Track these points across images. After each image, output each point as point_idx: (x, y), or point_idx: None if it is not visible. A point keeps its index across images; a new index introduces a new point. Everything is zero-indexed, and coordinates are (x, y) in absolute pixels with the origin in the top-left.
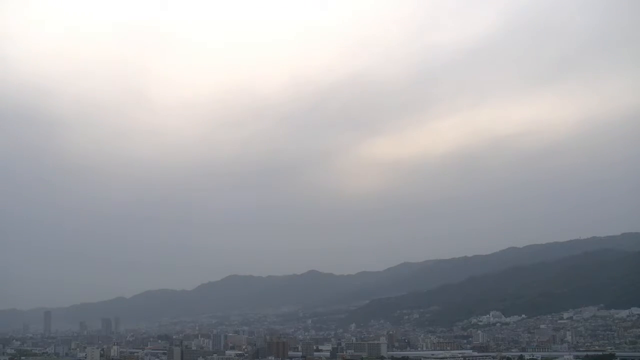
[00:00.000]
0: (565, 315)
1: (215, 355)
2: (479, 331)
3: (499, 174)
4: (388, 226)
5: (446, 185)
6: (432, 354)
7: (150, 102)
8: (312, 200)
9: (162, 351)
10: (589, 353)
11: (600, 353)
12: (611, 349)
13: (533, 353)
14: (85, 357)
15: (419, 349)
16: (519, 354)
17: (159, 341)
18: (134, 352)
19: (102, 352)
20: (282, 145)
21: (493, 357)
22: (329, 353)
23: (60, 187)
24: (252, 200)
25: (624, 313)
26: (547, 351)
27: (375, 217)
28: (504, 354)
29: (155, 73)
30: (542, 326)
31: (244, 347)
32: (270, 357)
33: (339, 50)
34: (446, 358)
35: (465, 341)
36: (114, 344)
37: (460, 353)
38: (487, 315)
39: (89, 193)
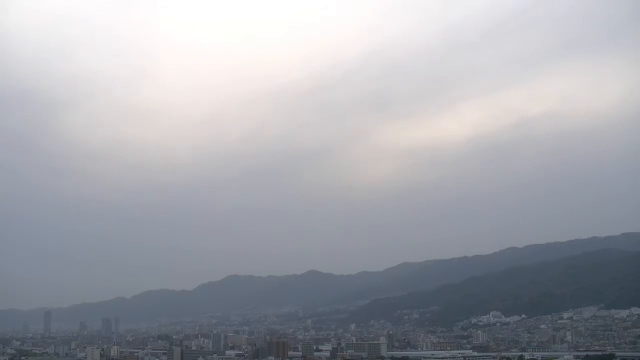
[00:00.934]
0: (565, 315)
1: (215, 355)
2: (479, 331)
3: (498, 174)
4: (388, 226)
5: (446, 185)
6: (432, 354)
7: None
8: (312, 199)
9: (162, 351)
10: (589, 353)
11: (600, 353)
12: (611, 349)
13: (533, 353)
14: (85, 357)
15: (419, 349)
16: (519, 354)
17: (159, 341)
18: (134, 352)
19: (102, 352)
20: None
21: (493, 357)
22: (329, 353)
23: (60, 187)
24: (253, 201)
25: (624, 313)
26: (547, 351)
27: (375, 217)
28: (504, 354)
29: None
30: (542, 326)
31: (244, 347)
32: (270, 357)
33: (359, 25)
34: (446, 358)
35: (465, 341)
36: (114, 344)
37: (460, 353)
38: (487, 315)
39: (89, 194)
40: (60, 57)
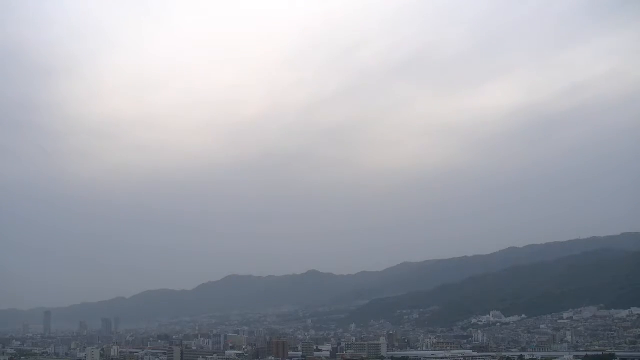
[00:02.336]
0: (565, 315)
1: (215, 355)
2: (479, 331)
3: (499, 174)
4: (388, 226)
5: (446, 185)
6: (432, 354)
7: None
8: (312, 199)
9: (162, 351)
10: (589, 353)
11: (600, 353)
12: (611, 349)
13: (533, 353)
14: (85, 357)
15: (419, 349)
16: (519, 354)
17: (159, 341)
18: (134, 352)
19: (102, 352)
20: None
21: (493, 357)
22: (329, 353)
23: (60, 187)
24: (253, 201)
25: (624, 313)
26: (547, 351)
27: (375, 217)
28: (504, 354)
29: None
30: (542, 326)
31: (244, 347)
32: (270, 357)
33: None
34: (446, 358)
35: (465, 341)
36: (114, 344)
37: (460, 353)
38: (487, 315)
39: (89, 194)
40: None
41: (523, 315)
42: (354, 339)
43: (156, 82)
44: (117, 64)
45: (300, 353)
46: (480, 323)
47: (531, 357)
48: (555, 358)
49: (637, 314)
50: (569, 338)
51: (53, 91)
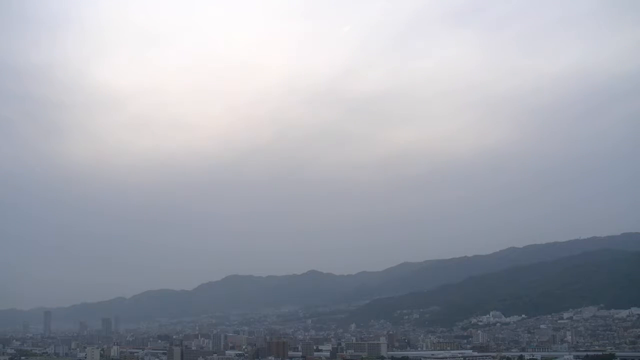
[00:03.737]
0: (565, 315)
1: (215, 355)
2: (479, 331)
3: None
4: (388, 226)
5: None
6: (432, 354)
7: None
8: (312, 199)
9: (162, 351)
10: (589, 353)
11: (600, 353)
12: (611, 349)
13: (533, 353)
14: (85, 357)
15: (419, 349)
16: (519, 354)
17: (159, 341)
18: (134, 352)
19: (102, 352)
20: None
21: (493, 357)
22: (329, 353)
23: (60, 187)
24: (253, 201)
25: (624, 313)
26: (547, 351)
27: (375, 217)
28: (504, 354)
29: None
30: (542, 326)
31: (244, 347)
32: (270, 357)
33: None
34: (446, 358)
35: (465, 341)
36: (114, 344)
37: (460, 353)
38: (487, 315)
39: (90, 193)
40: None
41: (523, 315)
42: (354, 339)
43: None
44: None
45: (300, 353)
46: (480, 323)
47: (531, 357)
48: (555, 358)
49: (637, 314)
50: (569, 338)
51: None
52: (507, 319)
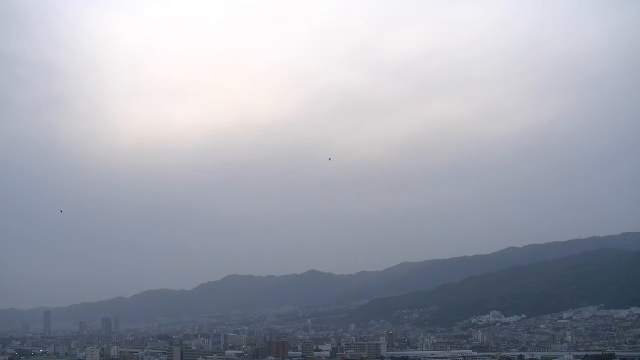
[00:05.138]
0: (565, 315)
1: (215, 355)
2: (479, 331)
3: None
4: (388, 226)
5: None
6: (432, 354)
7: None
8: (311, 199)
9: (162, 351)
10: (589, 353)
11: (600, 353)
12: (611, 349)
13: (533, 353)
14: (85, 357)
15: (419, 349)
16: (519, 354)
17: (159, 341)
18: (134, 352)
19: (102, 352)
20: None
21: (493, 357)
22: (329, 353)
23: (61, 186)
24: (253, 200)
25: (624, 313)
26: (547, 351)
27: (375, 216)
28: (504, 354)
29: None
30: (542, 326)
31: (244, 347)
32: (270, 357)
33: None
34: (446, 358)
35: (465, 341)
36: (114, 344)
37: (460, 353)
38: (487, 315)
39: (90, 193)
40: None
41: (523, 315)
42: (354, 339)
43: None
44: None
45: (300, 353)
46: (480, 323)
47: (531, 357)
48: (555, 358)
49: (637, 314)
50: (569, 338)
51: None
52: (507, 319)
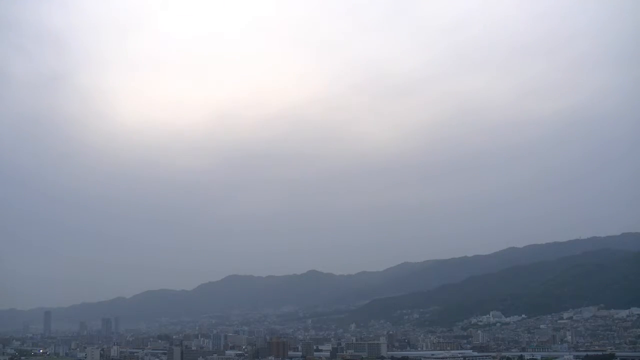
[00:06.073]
0: (565, 315)
1: (215, 355)
2: (479, 331)
3: (495, 173)
4: (388, 226)
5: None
6: (432, 354)
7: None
8: (311, 198)
9: (162, 351)
10: (589, 353)
11: (600, 353)
12: (611, 349)
13: (533, 353)
14: (85, 357)
15: (419, 349)
16: (519, 354)
17: (159, 341)
18: (134, 352)
19: (102, 352)
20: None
21: (493, 357)
22: (329, 353)
23: (61, 186)
24: (253, 200)
25: (624, 313)
26: (547, 351)
27: (375, 216)
28: (504, 354)
29: None
30: (542, 326)
31: (244, 347)
32: (270, 357)
33: None
34: (446, 358)
35: (465, 341)
36: (114, 344)
37: (460, 353)
38: (487, 315)
39: (90, 193)
40: None
41: (523, 315)
42: (354, 339)
43: None
44: None
45: (300, 353)
46: (480, 323)
47: (531, 357)
48: (555, 358)
49: (637, 314)
50: (569, 338)
51: None
52: (507, 319)
